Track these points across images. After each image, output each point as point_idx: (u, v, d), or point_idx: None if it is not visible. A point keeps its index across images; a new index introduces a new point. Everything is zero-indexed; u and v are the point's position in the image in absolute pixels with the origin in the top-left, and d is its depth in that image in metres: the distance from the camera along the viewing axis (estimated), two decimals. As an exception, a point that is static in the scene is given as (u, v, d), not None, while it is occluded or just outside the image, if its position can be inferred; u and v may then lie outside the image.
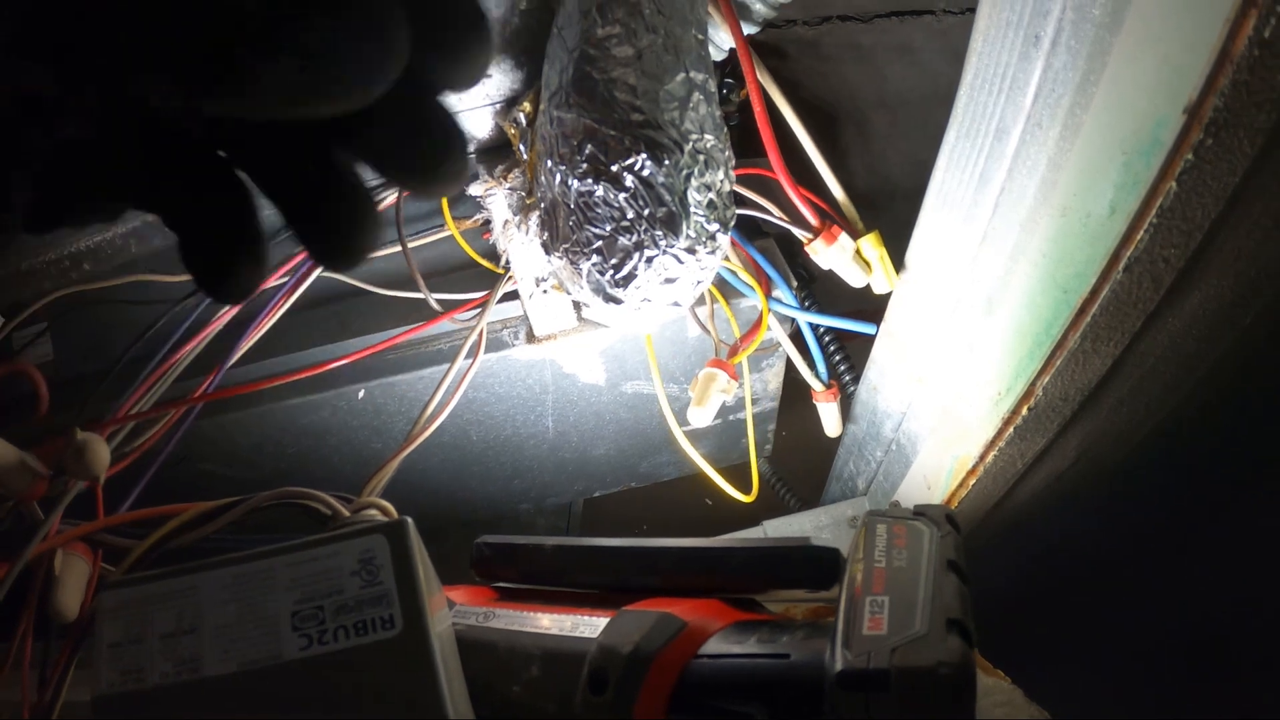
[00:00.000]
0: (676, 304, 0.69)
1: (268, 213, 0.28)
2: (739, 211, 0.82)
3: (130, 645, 0.45)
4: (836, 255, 0.79)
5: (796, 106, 0.78)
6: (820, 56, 1.26)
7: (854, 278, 0.81)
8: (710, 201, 0.65)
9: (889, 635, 0.41)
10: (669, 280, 0.67)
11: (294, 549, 0.47)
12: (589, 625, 0.52)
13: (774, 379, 1.07)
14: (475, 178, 0.79)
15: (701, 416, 0.84)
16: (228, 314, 0.81)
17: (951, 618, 0.41)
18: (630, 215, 0.64)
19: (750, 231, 0.89)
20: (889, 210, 0.85)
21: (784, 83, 0.76)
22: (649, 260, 0.65)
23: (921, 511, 0.50)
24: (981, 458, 0.74)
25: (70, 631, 0.55)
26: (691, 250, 0.65)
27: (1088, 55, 0.50)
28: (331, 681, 0.44)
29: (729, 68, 0.94)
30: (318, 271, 0.82)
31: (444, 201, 0.84)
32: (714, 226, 0.66)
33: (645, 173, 0.63)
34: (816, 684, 0.42)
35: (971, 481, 0.76)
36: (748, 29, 0.72)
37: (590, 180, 0.64)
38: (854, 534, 0.50)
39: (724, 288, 0.89)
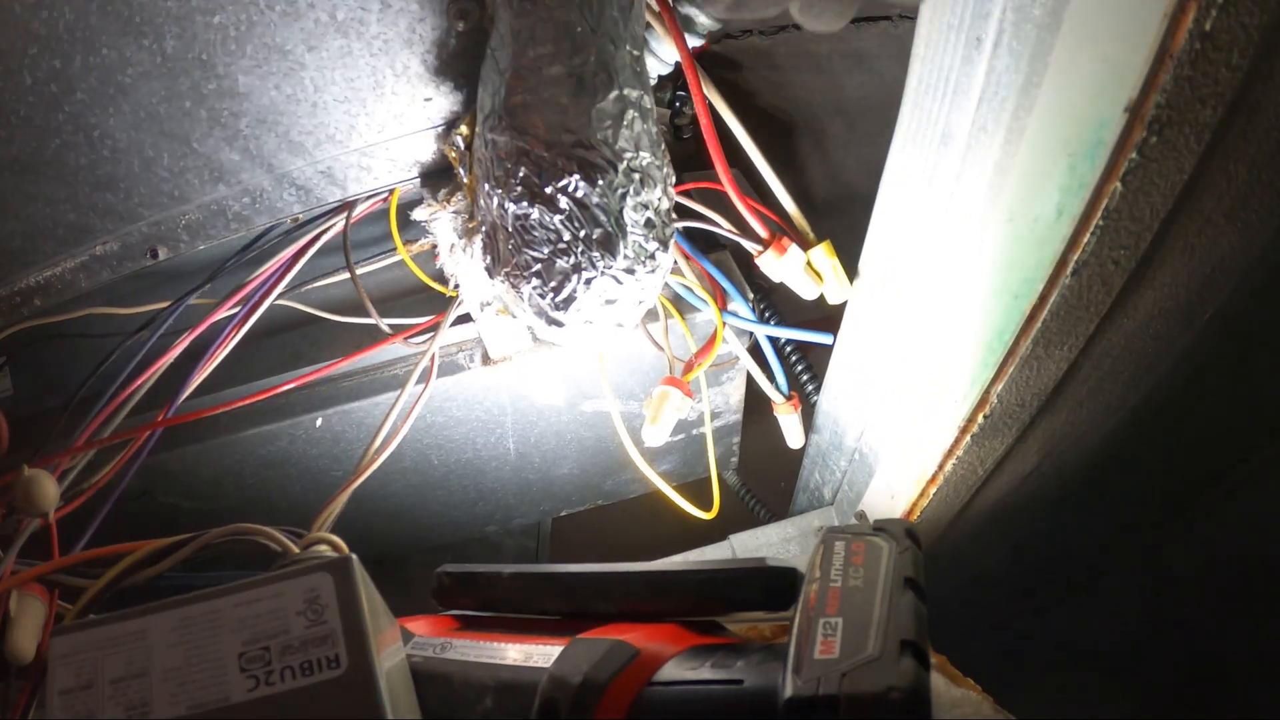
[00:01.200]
0: (620, 325, 0.68)
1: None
2: (691, 225, 0.81)
3: (81, 691, 0.44)
4: (787, 267, 0.78)
5: (753, 117, 0.77)
6: (776, 66, 1.26)
7: (805, 289, 0.80)
8: (648, 220, 0.64)
9: (840, 659, 0.39)
10: (609, 301, 0.66)
11: (240, 589, 0.47)
12: (543, 655, 0.51)
13: (735, 392, 1.05)
14: (420, 201, 0.78)
15: (656, 436, 0.82)
16: (180, 345, 0.80)
17: (905, 639, 0.40)
18: (566, 237, 0.63)
19: (705, 244, 0.88)
20: (848, 217, 0.84)
21: (740, 93, 0.75)
22: (588, 282, 0.64)
23: (881, 527, 0.49)
24: (940, 466, 0.73)
25: (28, 673, 0.55)
26: (630, 270, 0.64)
27: (1029, 57, 0.49)
28: (279, 723, 0.44)
29: (681, 80, 0.93)
30: (268, 301, 0.80)
31: (393, 225, 0.82)
32: (653, 245, 0.65)
33: (579, 193, 0.62)
34: (769, 710, 0.40)
35: (932, 490, 0.75)
36: (692, 41, 0.71)
37: (525, 203, 0.62)
38: (811, 552, 0.48)
39: (679, 302, 0.88)
